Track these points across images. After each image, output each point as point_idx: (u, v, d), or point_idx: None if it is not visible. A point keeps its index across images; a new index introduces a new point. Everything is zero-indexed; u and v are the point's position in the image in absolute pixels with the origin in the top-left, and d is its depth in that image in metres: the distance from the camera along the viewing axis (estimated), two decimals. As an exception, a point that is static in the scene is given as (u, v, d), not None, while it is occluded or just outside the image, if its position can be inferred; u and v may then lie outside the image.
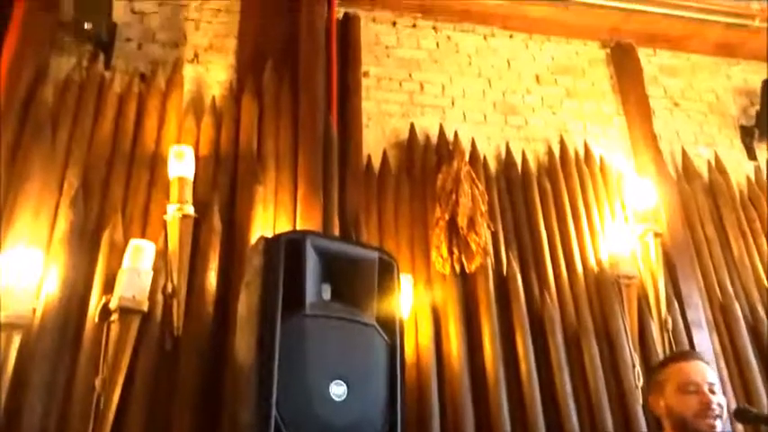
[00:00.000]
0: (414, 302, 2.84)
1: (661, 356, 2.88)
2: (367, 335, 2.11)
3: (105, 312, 2.46)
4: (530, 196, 3.30)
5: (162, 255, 2.61)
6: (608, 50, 4.01)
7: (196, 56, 3.31)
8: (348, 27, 3.56)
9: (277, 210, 2.85)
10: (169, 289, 2.57)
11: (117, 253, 2.57)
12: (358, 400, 1.99)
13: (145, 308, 2.48)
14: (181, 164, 2.72)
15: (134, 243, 2.56)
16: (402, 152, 3.34)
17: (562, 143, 3.56)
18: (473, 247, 2.96)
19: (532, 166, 3.43)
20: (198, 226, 2.72)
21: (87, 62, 3.09)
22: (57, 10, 3.17)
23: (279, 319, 1.96)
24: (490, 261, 3.03)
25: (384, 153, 3.29)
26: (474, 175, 3.16)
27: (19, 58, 2.94)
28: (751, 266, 3.41)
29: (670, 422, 1.86)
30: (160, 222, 2.69)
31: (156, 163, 2.84)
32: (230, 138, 3.00)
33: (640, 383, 2.82)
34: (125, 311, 2.43)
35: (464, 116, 3.57)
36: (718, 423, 1.80)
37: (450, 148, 3.32)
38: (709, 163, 3.77)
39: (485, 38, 3.86)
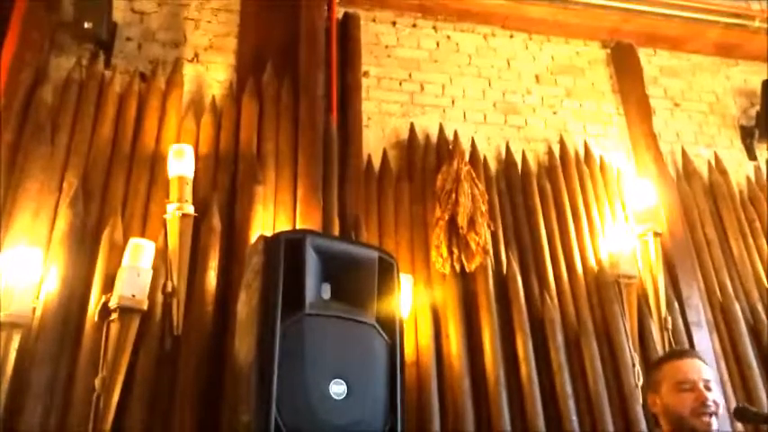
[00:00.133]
0: (413, 302, 2.84)
1: (661, 354, 2.88)
2: (367, 334, 2.11)
3: (105, 311, 2.46)
4: (530, 196, 3.30)
5: (162, 254, 2.61)
6: (608, 51, 4.01)
7: (196, 55, 3.31)
8: (348, 27, 3.56)
9: (277, 209, 2.85)
10: (169, 288, 2.57)
11: (117, 252, 2.57)
12: (358, 399, 1.99)
13: (144, 307, 2.48)
14: (181, 163, 2.72)
15: (133, 242, 2.56)
16: (402, 152, 3.34)
17: (562, 143, 3.56)
18: (473, 246, 2.96)
19: (532, 165, 3.44)
20: (198, 225, 2.72)
21: (87, 62, 3.09)
22: (57, 10, 3.17)
23: (279, 319, 1.96)
24: (490, 261, 3.03)
25: (384, 153, 3.29)
26: (474, 175, 3.17)
27: (19, 58, 2.94)
28: (751, 266, 3.42)
29: (667, 420, 1.86)
30: (160, 222, 2.69)
31: (156, 162, 2.84)
32: (230, 137, 3.00)
33: (640, 383, 2.82)
34: (125, 311, 2.43)
35: (464, 116, 3.57)
36: (713, 420, 1.80)
37: (450, 147, 3.32)
38: (709, 163, 3.77)
39: (485, 38, 3.86)
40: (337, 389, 1.97)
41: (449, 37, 3.80)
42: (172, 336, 2.52)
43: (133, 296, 2.45)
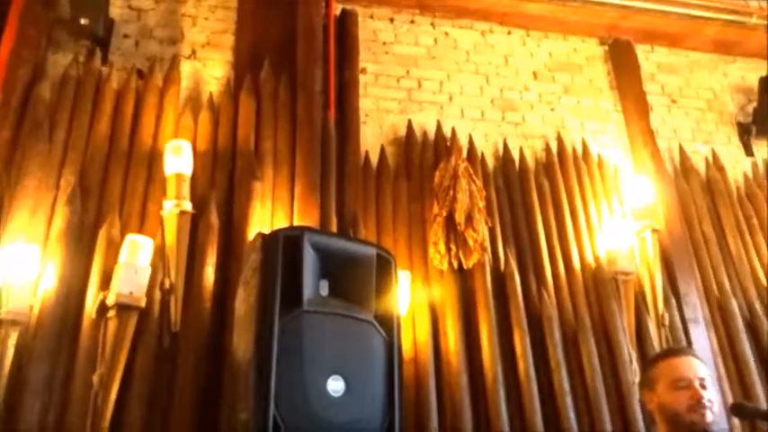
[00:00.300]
0: (411, 298, 2.84)
1: (656, 352, 2.89)
2: (365, 331, 2.11)
3: (102, 309, 2.45)
4: (527, 193, 3.30)
5: (159, 251, 2.61)
6: (606, 47, 4.01)
7: (193, 52, 3.31)
8: (346, 23, 3.55)
9: (275, 206, 2.85)
10: (167, 285, 2.57)
11: (114, 249, 2.56)
12: (356, 396, 2.00)
13: (142, 304, 2.48)
14: (178, 159, 2.72)
15: (130, 238, 2.56)
16: (400, 149, 3.34)
17: (560, 140, 3.56)
18: (470, 243, 2.96)
19: (530, 162, 3.44)
20: (195, 222, 2.71)
21: (84, 59, 3.08)
22: (54, 6, 3.16)
23: (277, 316, 1.96)
24: (488, 257, 3.03)
25: (382, 150, 3.29)
26: (471, 172, 3.17)
27: (16, 55, 2.93)
28: (748, 263, 3.43)
29: (663, 417, 1.87)
30: (157, 219, 2.69)
31: (154, 159, 2.84)
32: (228, 134, 2.99)
33: (637, 380, 2.83)
34: (122, 308, 2.43)
35: (462, 113, 3.57)
36: (709, 416, 1.80)
37: (448, 144, 3.32)
38: (706, 160, 3.78)
39: (483, 34, 3.86)
40: (335, 386, 1.97)
41: (447, 33, 3.80)
42: (170, 333, 2.52)
43: (131, 293, 2.44)
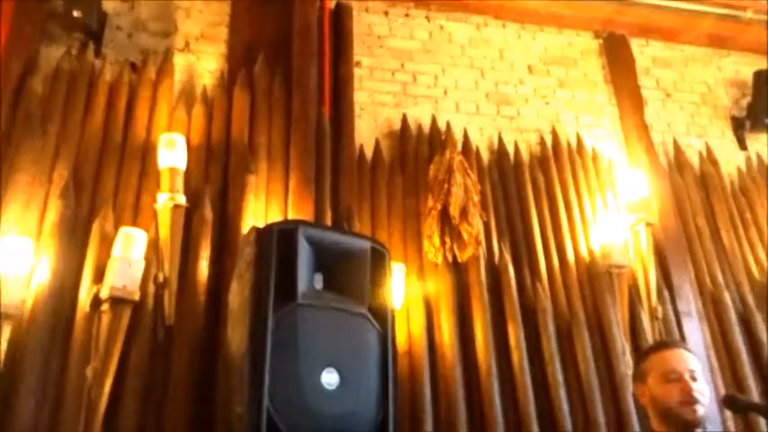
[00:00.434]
0: (406, 292, 2.84)
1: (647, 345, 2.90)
2: (359, 324, 2.12)
3: (96, 302, 2.45)
4: (522, 187, 3.30)
5: (153, 245, 2.61)
6: (601, 41, 4.01)
7: (187, 45, 3.29)
8: (340, 17, 3.54)
9: (269, 200, 2.85)
10: (160, 279, 2.57)
11: (108, 243, 2.56)
12: (350, 389, 2.00)
13: (136, 297, 2.47)
14: (172, 153, 2.71)
15: (124, 231, 2.55)
16: (394, 142, 3.34)
17: (554, 134, 3.56)
18: (465, 236, 2.97)
19: (525, 156, 3.44)
20: (189, 216, 2.71)
21: (77, 52, 3.07)
22: (47, -1, 3.14)
23: (271, 309, 1.97)
24: (482, 251, 3.03)
25: (376, 143, 3.28)
26: (466, 166, 3.17)
27: (9, 49, 2.91)
28: (741, 257, 3.44)
29: (654, 411, 1.88)
30: (151, 213, 2.69)
31: (147, 153, 2.83)
32: (222, 127, 2.99)
33: (631, 372, 2.83)
34: (116, 301, 2.43)
35: (457, 106, 3.56)
36: (699, 409, 1.81)
37: (443, 138, 3.32)
38: (700, 154, 3.78)
39: (477, 28, 3.85)
40: (330, 379, 1.98)
41: (441, 27, 3.79)
42: (164, 326, 2.52)
43: (124, 287, 2.44)
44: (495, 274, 3.04)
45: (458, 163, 3.12)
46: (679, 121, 3.91)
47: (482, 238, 3.05)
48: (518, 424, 2.73)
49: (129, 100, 2.96)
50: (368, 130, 3.33)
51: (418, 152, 3.29)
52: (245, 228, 2.63)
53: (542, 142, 3.53)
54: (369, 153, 3.24)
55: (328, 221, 2.86)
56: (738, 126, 3.96)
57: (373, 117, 3.40)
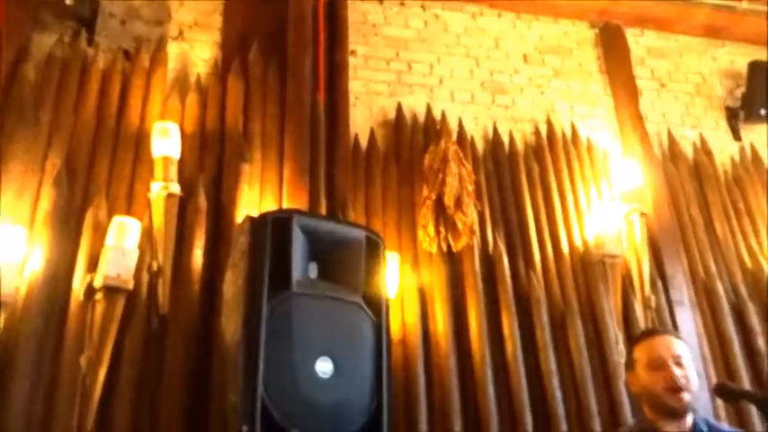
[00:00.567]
0: (400, 281, 2.84)
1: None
2: (353, 313, 2.12)
3: (90, 291, 2.44)
4: (516, 176, 3.31)
5: (147, 234, 2.60)
6: (596, 31, 4.00)
7: (180, 33, 3.27)
8: (335, 5, 3.51)
9: (263, 189, 2.84)
10: (154, 267, 2.56)
11: (101, 232, 2.55)
12: (345, 378, 2.01)
13: (130, 286, 2.46)
14: (165, 142, 2.70)
15: (118, 220, 2.54)
16: (389, 132, 3.33)
17: (549, 123, 3.56)
18: (460, 226, 2.97)
19: (519, 146, 3.44)
20: (183, 205, 2.70)
21: (69, 39, 3.04)
22: (38, -14, 3.11)
23: (265, 298, 1.97)
24: (477, 241, 3.04)
25: (371, 132, 3.27)
26: (461, 155, 3.17)
27: (1, 36, 2.88)
28: (734, 247, 3.46)
29: (644, 399, 1.90)
30: (145, 201, 2.67)
31: (141, 141, 2.81)
32: (216, 116, 2.97)
33: (623, 361, 2.85)
34: (110, 290, 2.42)
35: (452, 96, 3.55)
36: (685, 396, 1.83)
37: (438, 127, 3.32)
38: (694, 144, 3.79)
39: (473, 16, 3.84)
40: (324, 367, 1.98)
41: (437, 16, 3.78)
42: (158, 315, 2.52)
43: (118, 275, 2.43)
44: (489, 263, 3.05)
45: (453, 152, 3.12)
46: (673, 111, 3.91)
47: (476, 227, 3.05)
48: (512, 412, 2.75)
49: (122, 88, 2.94)
50: (363, 119, 3.32)
51: (413, 141, 3.28)
52: (240, 217, 2.63)
53: (537, 132, 3.53)
54: (363, 142, 3.23)
55: (323, 211, 2.85)
56: (732, 116, 3.97)
57: (368, 106, 3.39)
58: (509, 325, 2.90)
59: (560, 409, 2.78)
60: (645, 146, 3.58)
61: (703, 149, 3.77)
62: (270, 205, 2.78)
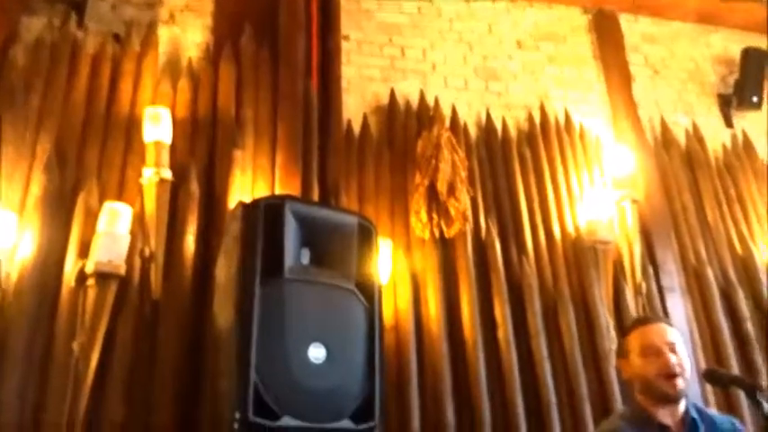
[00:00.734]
0: (393, 267, 2.85)
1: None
2: (346, 299, 2.12)
3: (82, 276, 2.44)
4: (509, 163, 3.31)
5: (138, 219, 2.59)
6: (590, 17, 3.98)
7: (172, 16, 3.23)
8: (328, -10, 3.49)
9: (256, 175, 2.83)
10: (146, 253, 2.55)
11: (92, 217, 2.54)
12: (337, 364, 2.01)
13: (122, 272, 2.46)
14: (157, 127, 2.68)
15: (109, 206, 2.53)
16: (382, 117, 3.32)
17: (542, 110, 3.55)
18: (452, 212, 2.97)
19: (512, 132, 3.43)
20: (175, 191, 2.69)
21: (59, 22, 3.00)
22: (26, -32, 3.07)
23: (258, 285, 1.97)
24: (469, 227, 3.04)
25: (364, 118, 3.26)
26: (454, 142, 3.16)
27: (-12, 18, 2.86)
28: (725, 233, 3.47)
29: (637, 386, 1.91)
30: (136, 187, 2.66)
31: (132, 126, 2.79)
32: (208, 101, 2.95)
33: (614, 347, 2.87)
34: (102, 276, 2.41)
35: (445, 82, 3.54)
36: (680, 382, 1.84)
37: (431, 114, 3.31)
38: (686, 131, 3.80)
39: (466, 2, 3.81)
40: (317, 353, 1.99)
41: (430, 1, 3.75)
42: (150, 301, 2.51)
43: (110, 261, 2.43)
44: (481, 249, 3.05)
45: (445, 139, 3.11)
46: (666, 97, 3.91)
47: (469, 213, 3.05)
48: (503, 397, 2.77)
49: (112, 72, 2.91)
50: (355, 104, 3.31)
51: (406, 128, 3.27)
52: (232, 203, 2.62)
53: (530, 118, 3.52)
54: (356, 128, 3.22)
55: (315, 197, 2.85)
56: (725, 103, 3.97)
57: (361, 92, 3.37)
58: (501, 311, 2.92)
59: (551, 395, 2.80)
60: (637, 132, 3.58)
61: (695, 136, 3.77)
62: (262, 191, 2.77)
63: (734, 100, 3.94)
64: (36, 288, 2.42)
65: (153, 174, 2.62)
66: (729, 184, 3.64)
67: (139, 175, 2.66)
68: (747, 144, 3.83)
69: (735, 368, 3.08)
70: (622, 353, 2.00)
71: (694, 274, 3.31)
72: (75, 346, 2.34)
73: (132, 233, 2.54)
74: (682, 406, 1.87)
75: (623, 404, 2.70)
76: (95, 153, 2.72)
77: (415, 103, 3.38)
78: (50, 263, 2.48)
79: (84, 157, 2.71)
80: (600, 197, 3.25)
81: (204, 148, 2.86)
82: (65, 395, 2.29)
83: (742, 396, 2.92)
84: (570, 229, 3.20)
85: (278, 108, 2.97)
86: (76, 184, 2.64)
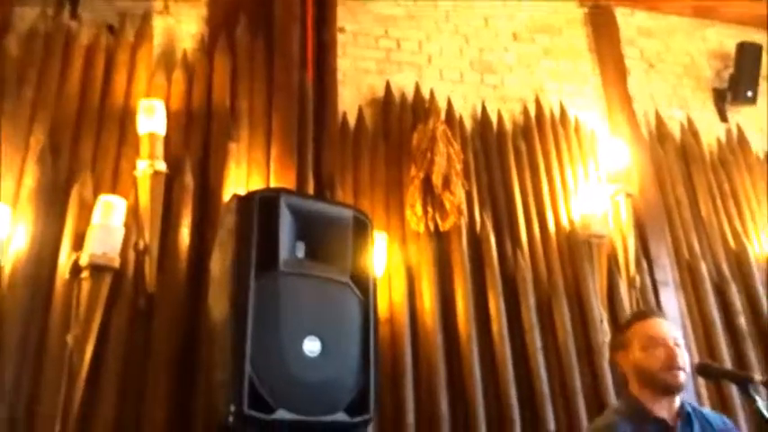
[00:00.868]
0: (388, 260, 2.85)
1: (629, 314, 2.94)
2: (341, 293, 2.12)
3: (76, 269, 2.43)
4: (505, 156, 3.31)
5: (133, 212, 2.58)
6: (586, 10, 3.98)
7: (166, 7, 3.21)
8: (324, -19, 3.47)
9: (250, 168, 2.83)
10: (141, 246, 2.55)
11: (87, 210, 2.52)
12: (332, 357, 2.02)
13: (116, 264, 2.45)
14: (151, 119, 2.67)
15: (103, 199, 2.52)
16: (378, 110, 3.31)
17: (538, 103, 3.55)
18: (447, 206, 2.97)
19: (508, 125, 3.43)
20: (170, 183, 2.68)
21: (52, 12, 2.97)
22: (19, -43, 3.04)
23: (252, 278, 1.97)
24: (464, 220, 3.04)
25: (360, 111, 3.25)
26: (449, 135, 3.16)
27: (-20, 8, 2.83)
28: (718, 227, 3.49)
29: (637, 377, 1.91)
30: (131, 179, 2.65)
31: (126, 118, 2.77)
32: (202, 93, 2.94)
33: (607, 340, 2.89)
34: (96, 268, 2.41)
35: (440, 74, 3.53)
36: (682, 375, 1.86)
37: (427, 106, 3.30)
38: (681, 125, 3.80)
39: (462, -7, 3.80)
40: (312, 346, 1.99)
41: (426, -8, 3.74)
42: (145, 294, 2.51)
43: (104, 254, 2.42)
44: (476, 243, 3.06)
45: (441, 132, 3.11)
46: (661, 91, 3.92)
47: (464, 207, 3.06)
48: (497, 390, 2.78)
49: (106, 64, 2.89)
50: (351, 97, 3.30)
51: (402, 120, 3.27)
52: (227, 195, 2.61)
53: (526, 111, 3.52)
54: (352, 121, 3.21)
55: (310, 190, 2.84)
56: (720, 98, 3.98)
57: (356, 84, 3.36)
58: (495, 304, 2.92)
59: (545, 388, 2.81)
60: (632, 126, 3.59)
61: (690, 130, 3.78)
62: (257, 184, 2.76)
63: (729, 94, 3.95)
64: (30, 280, 2.41)
65: (147, 166, 2.61)
66: (723, 179, 3.66)
67: (134, 167, 2.64)
68: (742, 139, 3.84)
69: (727, 362, 3.11)
70: (621, 345, 2.00)
71: (688, 268, 3.33)
72: (70, 338, 2.34)
73: (126, 225, 2.53)
74: (677, 400, 1.88)
75: (617, 398, 2.71)
76: (89, 145, 2.71)
77: (410, 95, 3.37)
78: (44, 255, 2.47)
79: (78, 148, 2.69)
80: (594, 191, 3.26)
81: (199, 141, 2.85)
82: (59, 387, 2.29)
83: (734, 390, 2.93)
84: (565, 222, 3.20)
85: (273, 100, 2.96)
86: (70, 176, 2.63)
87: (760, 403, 1.68)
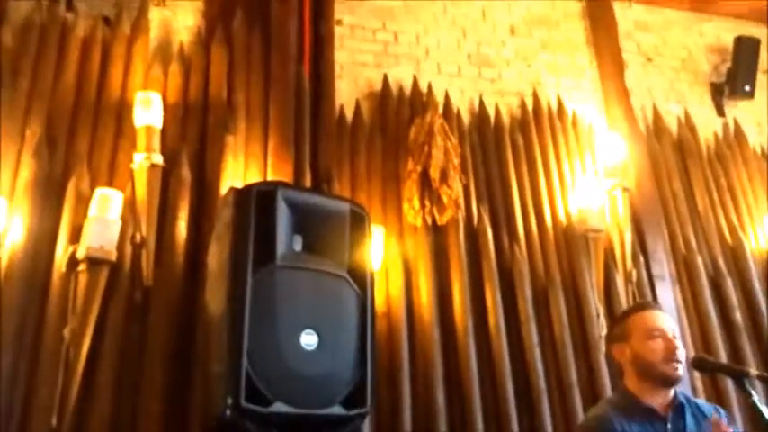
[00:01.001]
0: (385, 254, 2.85)
1: (625, 308, 2.95)
2: (338, 286, 2.12)
3: (72, 262, 2.42)
4: (502, 150, 3.30)
5: (130, 205, 2.57)
6: (583, 3, 3.97)
7: (162, -1, 3.20)
8: (321, -27, 3.45)
9: (248, 161, 2.82)
10: (138, 239, 2.54)
11: (83, 203, 2.52)
12: (329, 350, 2.02)
13: (113, 258, 2.45)
14: (148, 112, 2.66)
15: (100, 192, 2.51)
16: (375, 103, 3.30)
17: (535, 97, 3.55)
18: (445, 199, 2.97)
19: (505, 119, 3.43)
20: (166, 176, 2.67)
21: (48, 3, 2.95)
22: (14, -53, 3.01)
23: (249, 271, 1.96)
24: (461, 214, 3.04)
25: (357, 104, 3.25)
26: (447, 128, 3.15)
27: (-26, -1, 2.81)
28: (715, 222, 3.50)
29: (635, 369, 1.92)
30: (127, 172, 2.64)
31: (123, 111, 2.76)
32: (199, 86, 2.93)
33: (604, 333, 2.90)
34: (93, 261, 2.40)
35: (438, 68, 3.52)
36: (680, 368, 1.88)
37: (424, 100, 3.29)
38: (678, 119, 3.81)
39: (460, -14, 3.79)
40: (308, 340, 1.99)
41: (424, -15, 3.72)
42: (142, 287, 2.50)
43: (101, 247, 2.42)
44: (473, 236, 3.06)
45: (438, 126, 3.10)
46: (659, 86, 3.92)
47: (461, 201, 3.06)
48: (493, 383, 2.79)
49: (102, 56, 2.87)
50: (348, 90, 3.29)
51: (399, 114, 3.26)
52: (224, 189, 2.61)
53: (523, 105, 3.52)
54: (349, 114, 3.20)
55: (308, 183, 2.84)
56: (717, 92, 3.98)
57: (354, 77, 3.35)
58: (492, 298, 2.93)
59: (541, 381, 2.82)
60: (629, 120, 3.58)
61: (687, 125, 3.78)
62: (254, 177, 2.76)
63: (726, 89, 3.96)
64: (26, 274, 2.41)
65: (144, 159, 2.60)
66: (720, 173, 3.66)
67: (130, 160, 2.63)
68: (739, 133, 3.85)
69: (723, 356, 3.12)
70: (619, 337, 2.00)
71: (684, 262, 3.34)
72: (66, 331, 2.33)
73: (123, 219, 2.52)
74: (672, 392, 1.89)
75: (612, 390, 2.72)
76: (86, 138, 2.70)
77: (408, 89, 3.36)
78: (41, 248, 2.46)
79: (74, 141, 2.68)
80: (591, 185, 3.26)
81: (196, 133, 2.84)
82: (56, 380, 2.28)
83: (730, 384, 2.95)
84: (562, 216, 3.21)
85: (270, 93, 2.95)
86: (67, 168, 2.62)
87: (755, 397, 1.69)
